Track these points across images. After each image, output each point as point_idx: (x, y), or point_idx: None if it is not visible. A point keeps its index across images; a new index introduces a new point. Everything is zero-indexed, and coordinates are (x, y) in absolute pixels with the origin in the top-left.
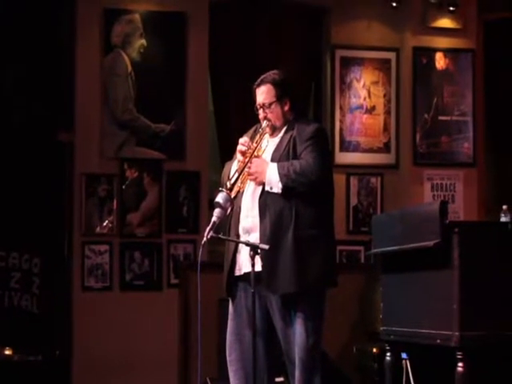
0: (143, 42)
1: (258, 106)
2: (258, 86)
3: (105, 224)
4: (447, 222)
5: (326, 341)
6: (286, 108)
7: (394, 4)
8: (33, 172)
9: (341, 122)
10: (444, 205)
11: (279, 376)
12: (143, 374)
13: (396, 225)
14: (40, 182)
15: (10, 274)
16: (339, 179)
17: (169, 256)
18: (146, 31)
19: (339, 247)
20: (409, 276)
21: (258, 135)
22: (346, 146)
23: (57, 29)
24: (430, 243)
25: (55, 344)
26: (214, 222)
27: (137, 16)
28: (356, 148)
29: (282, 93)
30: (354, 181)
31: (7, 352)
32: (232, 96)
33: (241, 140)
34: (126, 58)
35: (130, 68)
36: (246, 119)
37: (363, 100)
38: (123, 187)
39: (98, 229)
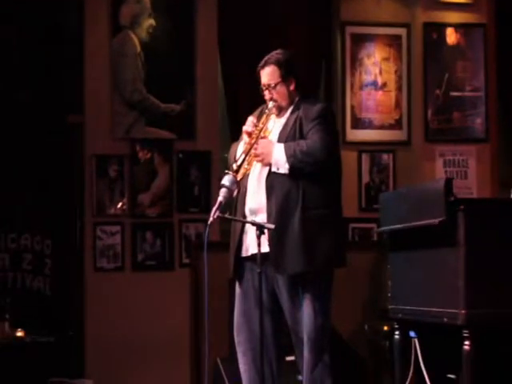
0: (152, 21)
1: (264, 87)
2: (263, 67)
3: (116, 205)
4: (452, 199)
5: (338, 319)
6: (292, 88)
7: None
8: (44, 154)
9: (352, 99)
10: (449, 182)
11: (290, 355)
12: (155, 353)
13: (402, 202)
14: (51, 163)
15: (22, 255)
16: (351, 156)
17: (180, 236)
18: (155, 11)
19: (351, 225)
20: (416, 254)
21: (265, 116)
22: (357, 123)
23: (65, 10)
24: (436, 221)
25: (68, 325)
26: (221, 202)
27: None
28: (368, 125)
29: (287, 73)
30: (365, 158)
31: (19, 334)
32: (242, 74)
33: (247, 121)
34: (134, 38)
35: (138, 48)
36: (255, 98)
37: (374, 77)
38: (134, 168)
39: (109, 210)
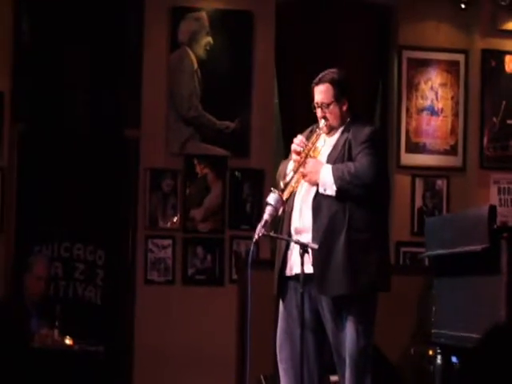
0: (209, 39)
1: (316, 105)
2: (317, 84)
3: (169, 219)
4: (495, 226)
5: (384, 342)
6: (344, 108)
7: (463, 6)
8: (100, 166)
9: (407, 123)
10: (493, 209)
11: (334, 375)
12: (202, 367)
13: (447, 228)
14: (106, 176)
15: (75, 264)
16: (404, 180)
17: (231, 252)
18: (213, 29)
19: (403, 249)
20: (459, 280)
21: (315, 135)
22: (412, 148)
23: (124, 26)
24: (478, 248)
25: (117, 335)
26: (266, 221)
27: (203, 14)
28: (422, 149)
29: (341, 93)
30: (419, 182)
31: (68, 342)
32: (298, 94)
33: (295, 139)
34: (192, 55)
35: (195, 65)
36: (311, 117)
37: (431, 102)
38: (188, 183)
39: (161, 223)
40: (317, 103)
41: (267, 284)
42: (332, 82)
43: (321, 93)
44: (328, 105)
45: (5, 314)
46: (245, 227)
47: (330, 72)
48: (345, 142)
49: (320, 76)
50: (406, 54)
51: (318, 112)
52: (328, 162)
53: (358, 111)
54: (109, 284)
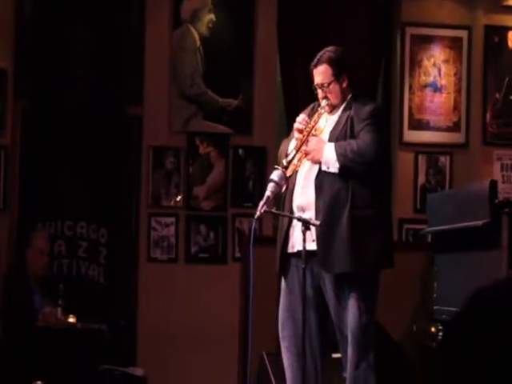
0: (212, 16)
1: (317, 86)
2: (315, 66)
3: (171, 197)
4: (496, 201)
5: (388, 319)
6: (345, 85)
7: None
8: (102, 144)
9: (410, 100)
10: (493, 184)
11: (337, 352)
12: (205, 345)
13: (448, 204)
14: (109, 153)
15: (78, 243)
16: (407, 157)
17: (234, 230)
18: (215, 6)
19: (406, 225)
20: (460, 255)
21: (317, 114)
22: (415, 124)
23: (126, 3)
24: (479, 223)
25: (120, 314)
26: (268, 197)
27: None
28: (425, 126)
29: (339, 70)
30: (422, 159)
31: (71, 320)
32: (300, 71)
33: (298, 118)
34: (194, 32)
35: (198, 43)
36: (314, 94)
37: (434, 78)
38: (191, 161)
39: (164, 201)
40: (317, 84)
41: (270, 261)
42: (329, 62)
43: (320, 74)
44: (328, 84)
45: (8, 290)
46: (247, 205)
47: (327, 51)
48: (347, 119)
49: (317, 57)
50: (409, 30)
51: (319, 93)
52: (330, 139)
53: (358, 86)
54: (112, 262)
